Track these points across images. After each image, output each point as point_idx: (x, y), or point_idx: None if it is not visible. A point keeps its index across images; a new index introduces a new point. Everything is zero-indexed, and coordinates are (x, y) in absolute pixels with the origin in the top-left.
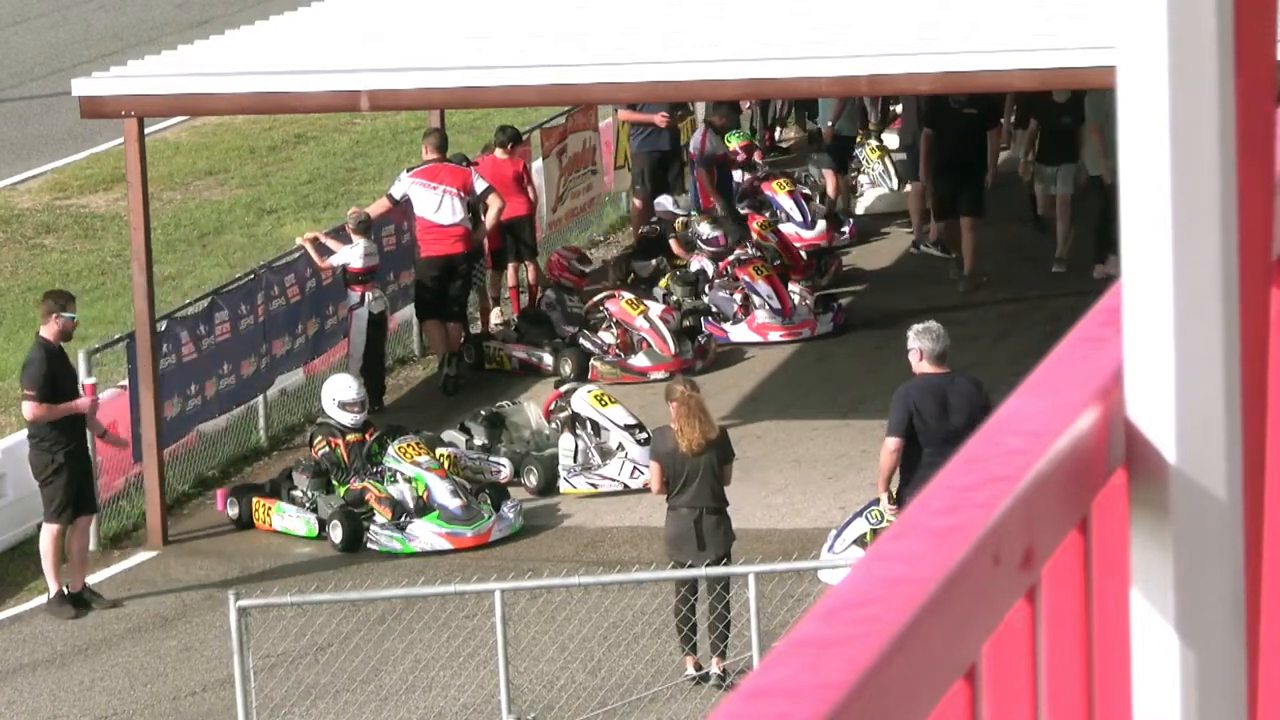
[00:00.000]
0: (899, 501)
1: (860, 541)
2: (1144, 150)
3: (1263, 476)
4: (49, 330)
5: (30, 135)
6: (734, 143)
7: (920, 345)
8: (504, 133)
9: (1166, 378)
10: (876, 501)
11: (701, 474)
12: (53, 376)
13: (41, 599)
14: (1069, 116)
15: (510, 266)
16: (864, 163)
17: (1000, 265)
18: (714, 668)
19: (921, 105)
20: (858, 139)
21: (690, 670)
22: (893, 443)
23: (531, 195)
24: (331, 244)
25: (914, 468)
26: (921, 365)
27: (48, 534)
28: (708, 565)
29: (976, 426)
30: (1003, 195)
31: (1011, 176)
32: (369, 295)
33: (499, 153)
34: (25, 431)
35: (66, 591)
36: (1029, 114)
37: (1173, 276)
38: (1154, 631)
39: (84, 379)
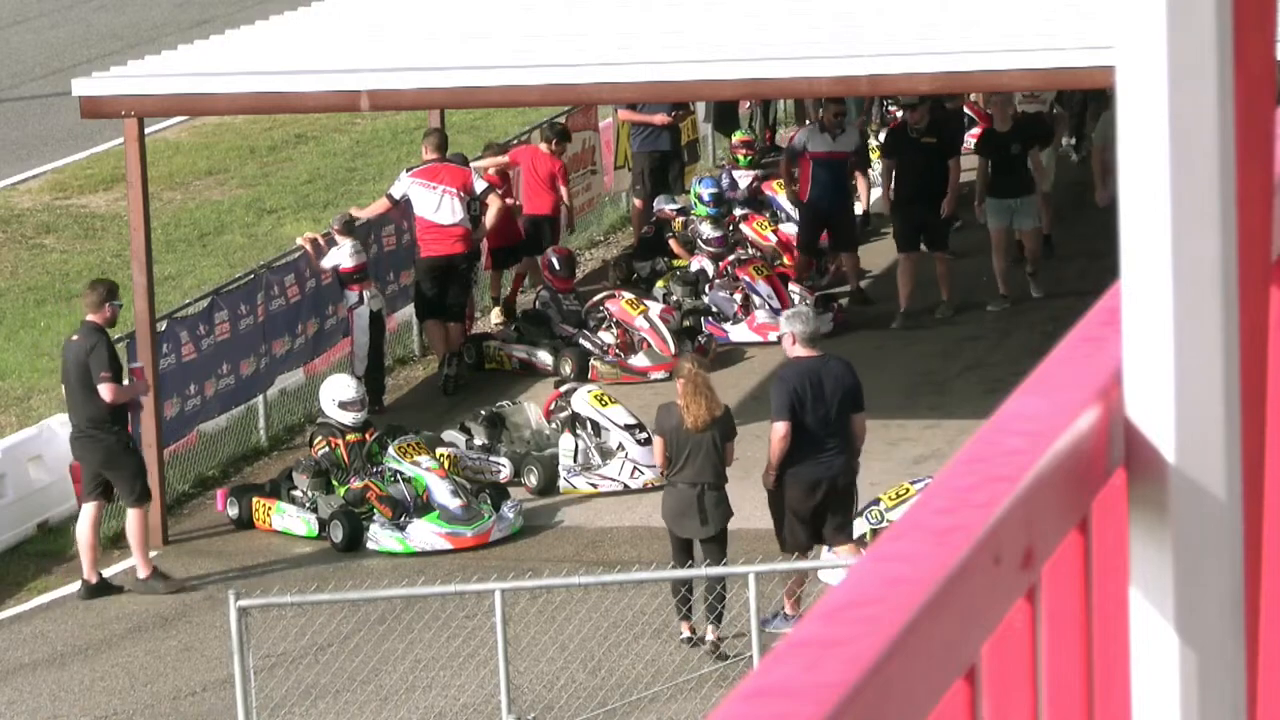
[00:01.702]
0: (780, 482)
1: (860, 542)
2: (1143, 150)
3: (1262, 476)
4: (100, 317)
5: (30, 135)
6: (737, 139)
7: (792, 329)
8: (553, 129)
9: (1166, 378)
10: (876, 501)
11: (704, 450)
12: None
13: (41, 599)
14: (1018, 144)
15: (524, 260)
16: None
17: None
18: (709, 634)
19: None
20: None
21: (685, 634)
22: (782, 428)
23: (564, 198)
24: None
25: (794, 449)
26: (795, 349)
27: (135, 518)
28: (707, 540)
29: (848, 406)
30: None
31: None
32: (366, 293)
33: (543, 146)
34: (23, 434)
35: (142, 575)
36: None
37: (1172, 277)
38: (1154, 631)
39: (129, 363)
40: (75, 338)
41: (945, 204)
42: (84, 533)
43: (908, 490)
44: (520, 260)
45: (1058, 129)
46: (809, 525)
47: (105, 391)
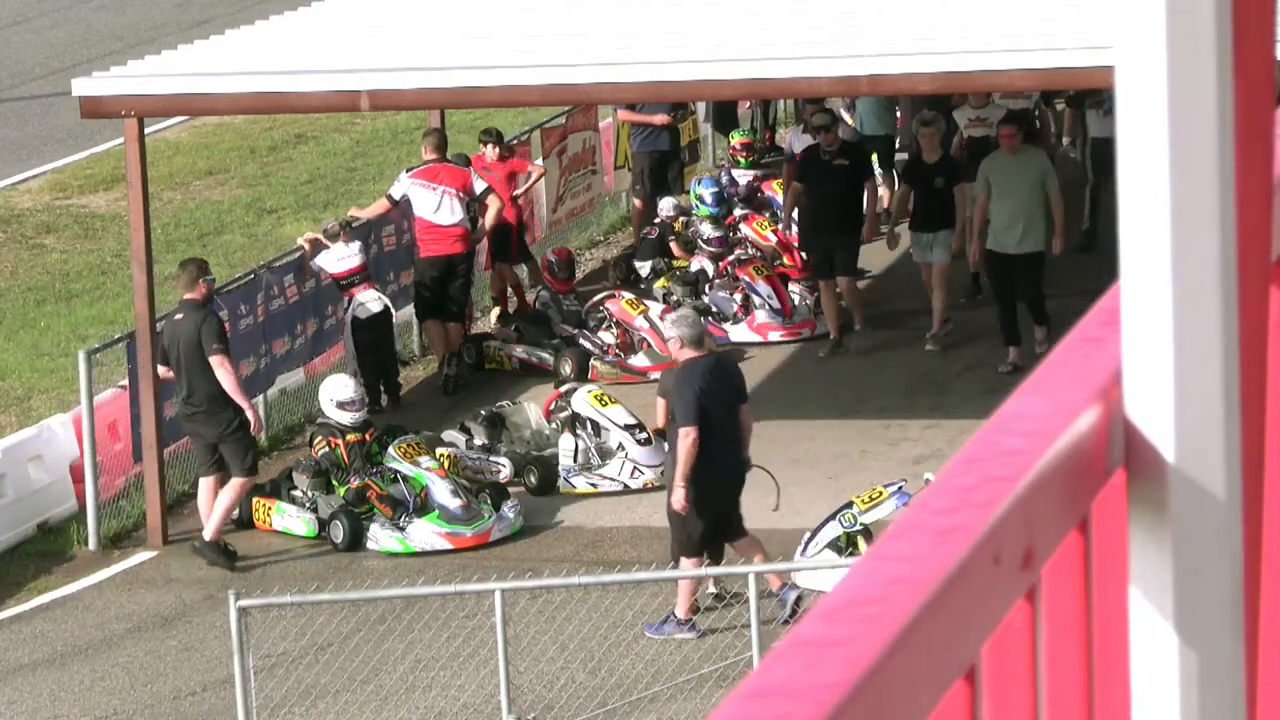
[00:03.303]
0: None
1: (834, 545)
2: (1143, 150)
3: (1262, 476)
4: (197, 294)
5: (30, 135)
6: (736, 139)
7: (679, 332)
8: (488, 133)
9: (1166, 378)
10: (849, 505)
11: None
12: None
13: (41, 599)
14: (942, 178)
15: (495, 269)
16: None
17: None
18: (710, 587)
19: (915, 106)
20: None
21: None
22: (692, 432)
23: (532, 177)
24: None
25: (703, 449)
26: (684, 352)
27: (237, 487)
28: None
29: (737, 400)
30: None
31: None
32: (356, 299)
33: (487, 153)
34: (23, 434)
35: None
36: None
37: (1172, 277)
38: (1153, 631)
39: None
40: (179, 317)
41: (865, 229)
42: (205, 503)
43: (880, 494)
44: (494, 270)
45: (1044, 130)
46: (712, 525)
47: (219, 364)
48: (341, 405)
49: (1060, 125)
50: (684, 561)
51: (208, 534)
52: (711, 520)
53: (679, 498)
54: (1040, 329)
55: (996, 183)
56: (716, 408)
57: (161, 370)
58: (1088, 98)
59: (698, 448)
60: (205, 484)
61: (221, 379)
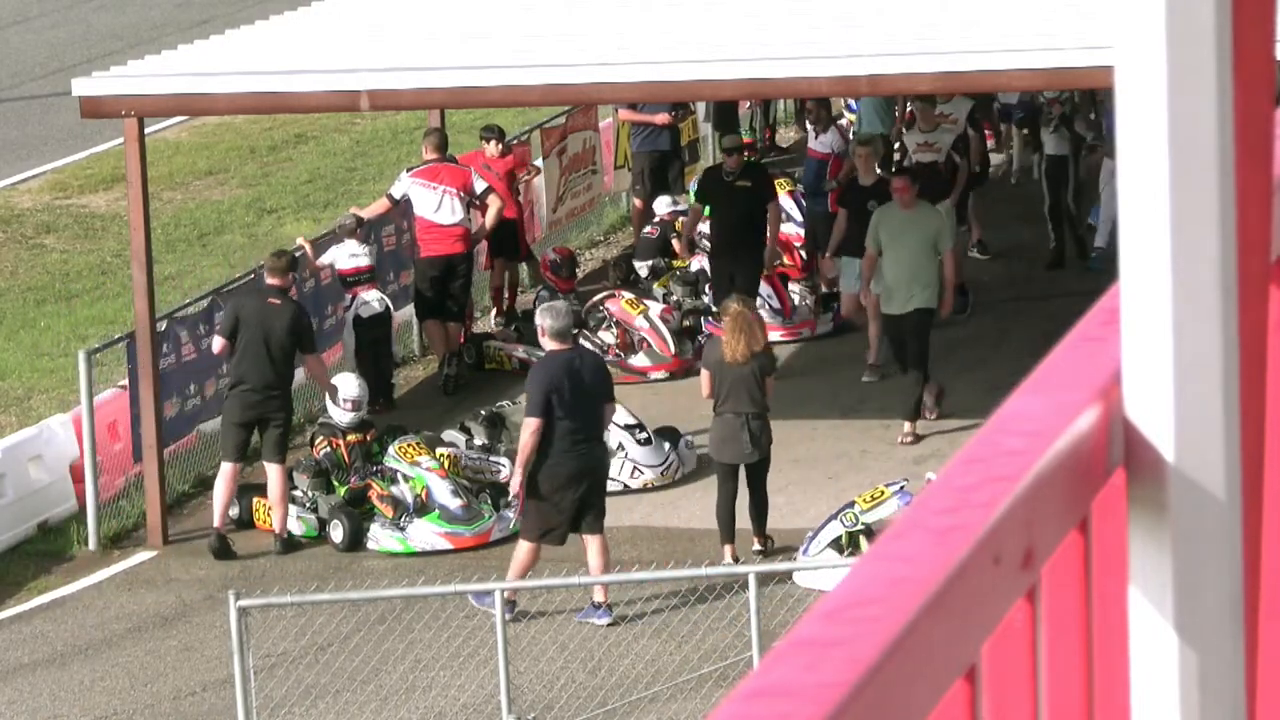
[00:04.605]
0: (534, 473)
1: (835, 544)
2: (1143, 150)
3: (1262, 476)
4: (285, 282)
5: (30, 135)
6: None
7: (543, 323)
8: (489, 130)
9: (1165, 378)
10: (851, 504)
11: (745, 383)
12: None
13: (41, 599)
14: (877, 201)
15: (495, 265)
16: None
17: (1001, 266)
18: (755, 545)
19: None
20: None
21: (728, 559)
22: (534, 423)
23: (531, 174)
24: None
25: (557, 441)
26: (548, 342)
27: (279, 474)
28: (751, 464)
29: (603, 395)
30: (1019, 192)
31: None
32: (360, 297)
33: (487, 148)
34: (23, 434)
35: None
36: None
37: (1171, 277)
38: (1153, 631)
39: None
40: (276, 302)
41: (767, 253)
42: (224, 489)
43: (882, 493)
44: (494, 267)
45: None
46: (568, 516)
47: (319, 360)
48: (344, 405)
49: (1009, 144)
50: (522, 544)
51: (277, 525)
52: (569, 509)
53: (515, 484)
54: (928, 390)
55: (886, 238)
56: (575, 401)
57: (219, 343)
58: (1040, 116)
59: (539, 439)
60: (228, 470)
61: (320, 375)
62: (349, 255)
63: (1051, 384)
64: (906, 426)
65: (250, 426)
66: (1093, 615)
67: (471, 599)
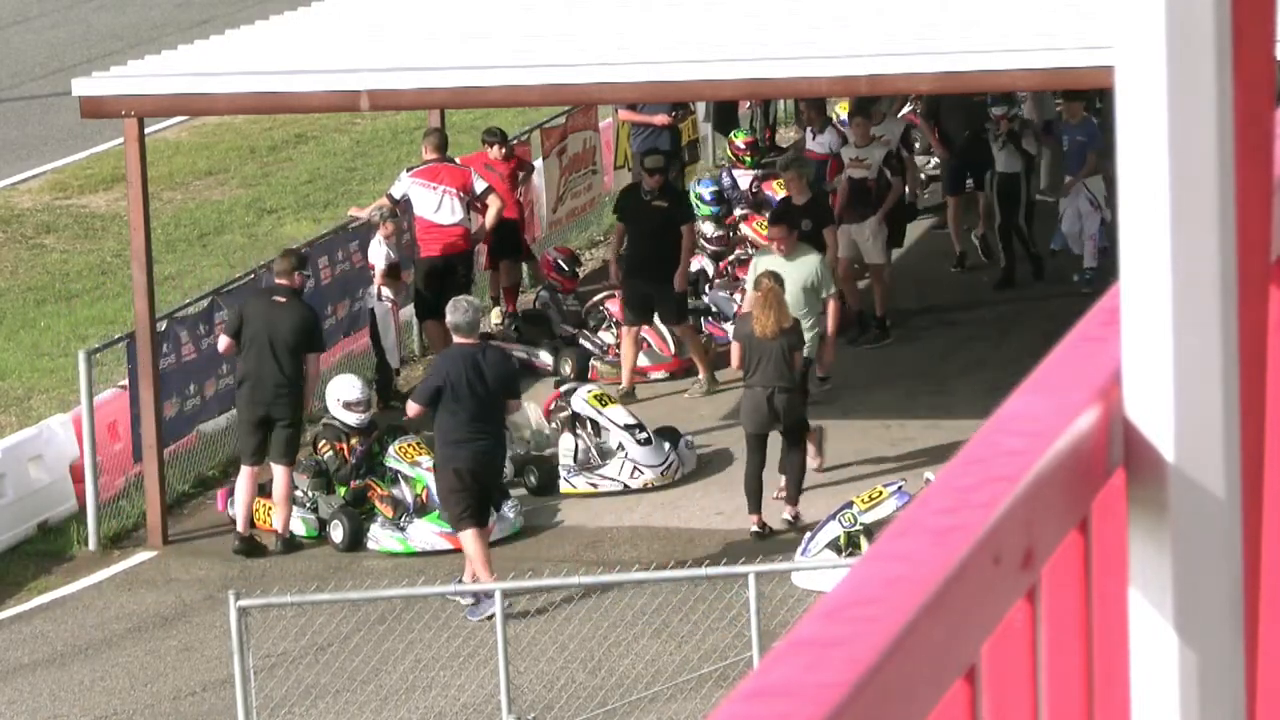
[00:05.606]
0: (439, 463)
1: (833, 545)
2: (1143, 151)
3: (1261, 476)
4: (295, 282)
5: (30, 135)
6: (739, 140)
7: (449, 318)
8: (490, 133)
9: (1165, 378)
10: (849, 504)
11: (774, 357)
12: None
13: (41, 599)
14: (810, 220)
15: (502, 266)
16: None
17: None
18: (786, 514)
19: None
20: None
21: (754, 528)
22: (414, 409)
23: (532, 173)
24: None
25: (453, 429)
26: (455, 336)
27: (284, 475)
28: (784, 432)
29: (503, 391)
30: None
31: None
32: (383, 292)
33: (491, 151)
34: (23, 434)
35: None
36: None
37: (1172, 277)
38: (1153, 631)
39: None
40: (283, 300)
41: (678, 276)
42: (245, 492)
43: (881, 493)
44: (498, 267)
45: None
46: (477, 499)
47: (315, 362)
48: (348, 406)
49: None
50: (466, 532)
51: (279, 526)
52: (474, 496)
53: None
54: (804, 452)
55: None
56: (475, 394)
57: (224, 342)
58: (993, 130)
59: (445, 429)
60: (248, 473)
61: (314, 374)
62: (387, 255)
63: (1051, 384)
64: (788, 511)
65: (263, 426)
66: (1093, 615)
67: (467, 615)
